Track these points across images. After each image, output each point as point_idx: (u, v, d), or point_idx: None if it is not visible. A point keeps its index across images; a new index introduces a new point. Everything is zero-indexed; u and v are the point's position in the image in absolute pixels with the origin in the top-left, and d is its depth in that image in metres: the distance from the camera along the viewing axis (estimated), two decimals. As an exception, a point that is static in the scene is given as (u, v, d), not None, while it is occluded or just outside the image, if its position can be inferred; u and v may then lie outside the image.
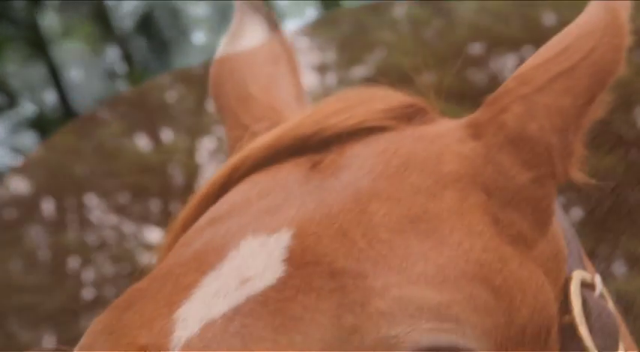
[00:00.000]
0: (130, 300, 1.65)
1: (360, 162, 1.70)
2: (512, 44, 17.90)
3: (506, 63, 19.06)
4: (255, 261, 1.56)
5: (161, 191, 22.54)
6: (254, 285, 1.52)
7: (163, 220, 23.20)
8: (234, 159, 1.85)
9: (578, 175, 1.74)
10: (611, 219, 15.53)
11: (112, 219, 23.23)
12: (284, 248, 1.56)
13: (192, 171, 22.61)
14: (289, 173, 1.74)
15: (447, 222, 1.60)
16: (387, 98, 1.84)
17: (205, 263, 1.60)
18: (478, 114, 1.75)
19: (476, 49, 17.89)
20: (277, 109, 1.98)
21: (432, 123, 1.82)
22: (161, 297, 1.60)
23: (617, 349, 1.66)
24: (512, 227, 1.64)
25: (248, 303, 1.50)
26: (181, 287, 1.59)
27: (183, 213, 1.88)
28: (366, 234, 1.56)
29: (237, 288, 1.53)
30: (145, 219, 23.66)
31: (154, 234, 23.83)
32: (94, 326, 1.66)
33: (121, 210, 23.15)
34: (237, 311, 1.51)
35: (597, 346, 1.62)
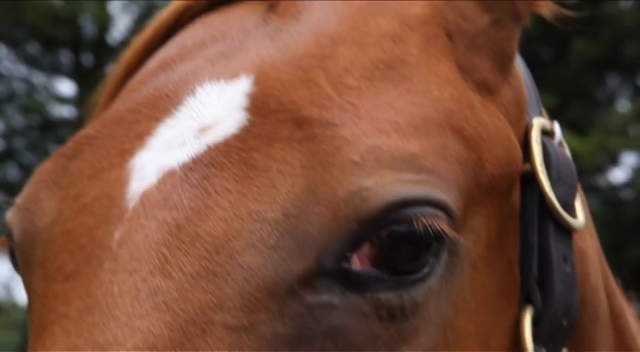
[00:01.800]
0: (76, 148, 1.52)
1: (321, 4, 1.58)
2: None
3: None
4: (213, 109, 1.45)
5: (72, 42, 22.08)
6: (214, 134, 1.41)
7: (74, 72, 22.70)
8: None
9: (546, 10, 1.64)
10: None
11: (22, 69, 22.78)
12: (244, 95, 1.44)
13: (104, 23, 22.16)
14: (244, 15, 1.61)
15: (414, 69, 1.51)
16: None
17: (159, 109, 1.48)
18: None
19: None
20: None
21: None
22: (112, 145, 1.48)
23: (574, 198, 1.65)
24: (476, 72, 1.57)
25: (209, 153, 1.40)
26: (134, 135, 1.47)
27: (126, 56, 1.72)
28: (333, 80, 1.46)
29: (195, 137, 1.42)
30: (55, 70, 23.23)
31: (64, 86, 23.42)
32: (38, 176, 1.53)
33: (30, 61, 22.68)
34: (197, 161, 1.40)
35: (556, 195, 1.60)
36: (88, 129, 1.55)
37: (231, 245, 1.33)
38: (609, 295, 1.81)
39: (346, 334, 1.36)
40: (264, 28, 1.56)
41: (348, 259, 1.34)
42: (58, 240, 1.44)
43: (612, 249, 14.39)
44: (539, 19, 1.69)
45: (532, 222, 1.57)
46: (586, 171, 13.86)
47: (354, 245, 1.34)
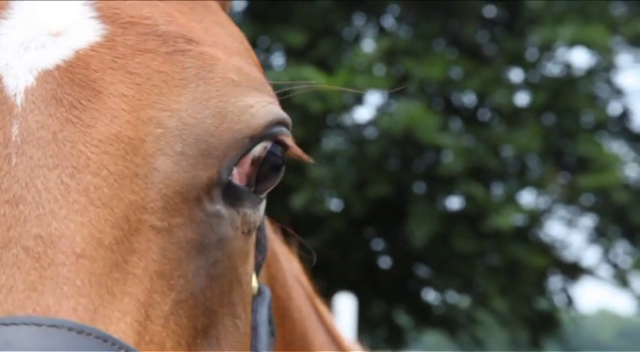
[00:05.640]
0: None
1: None
2: None
3: None
4: (58, 14, 1.42)
5: None
6: (73, 39, 1.40)
7: None
8: None
9: None
10: (271, 12, 15.88)
11: None
12: (88, 4, 1.44)
13: None
14: None
15: (215, 8, 1.60)
16: None
17: None
18: None
19: None
20: None
21: None
22: None
23: None
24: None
25: (80, 57, 1.39)
26: None
27: None
28: (168, 2, 1.50)
29: (53, 41, 1.39)
30: None
31: None
32: None
33: None
34: (72, 64, 1.38)
35: None
36: None
37: (145, 148, 1.35)
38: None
39: (228, 245, 1.42)
40: None
41: (231, 173, 1.43)
42: None
43: (356, 186, 14.80)
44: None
45: None
46: (333, 110, 14.16)
47: (239, 160, 1.43)
